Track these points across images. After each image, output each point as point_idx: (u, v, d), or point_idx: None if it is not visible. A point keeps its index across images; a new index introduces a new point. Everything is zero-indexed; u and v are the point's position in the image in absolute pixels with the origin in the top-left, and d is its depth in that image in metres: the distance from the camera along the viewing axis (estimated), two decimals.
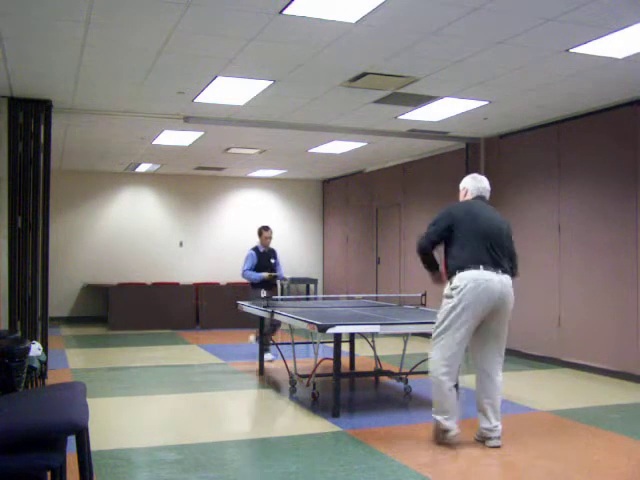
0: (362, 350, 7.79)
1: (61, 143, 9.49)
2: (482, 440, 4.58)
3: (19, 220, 6.88)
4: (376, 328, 5.44)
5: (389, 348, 7.91)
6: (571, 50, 5.31)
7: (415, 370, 6.17)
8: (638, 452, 4.56)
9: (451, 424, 4.42)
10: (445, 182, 10.05)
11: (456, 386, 4.55)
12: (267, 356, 7.72)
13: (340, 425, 5.07)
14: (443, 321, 4.42)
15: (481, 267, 4.34)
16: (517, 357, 8.48)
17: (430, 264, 4.64)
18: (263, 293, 7.67)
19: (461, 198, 4.76)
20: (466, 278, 4.33)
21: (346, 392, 6.43)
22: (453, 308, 4.36)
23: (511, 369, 7.82)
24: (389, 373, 6.50)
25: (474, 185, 4.73)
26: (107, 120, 8.09)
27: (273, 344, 7.53)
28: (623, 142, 7.04)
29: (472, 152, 9.38)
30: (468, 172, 9.44)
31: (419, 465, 4.14)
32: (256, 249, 8.33)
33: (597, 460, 4.31)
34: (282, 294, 8.29)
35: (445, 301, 4.46)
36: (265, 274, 8.10)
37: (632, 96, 6.80)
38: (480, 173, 9.12)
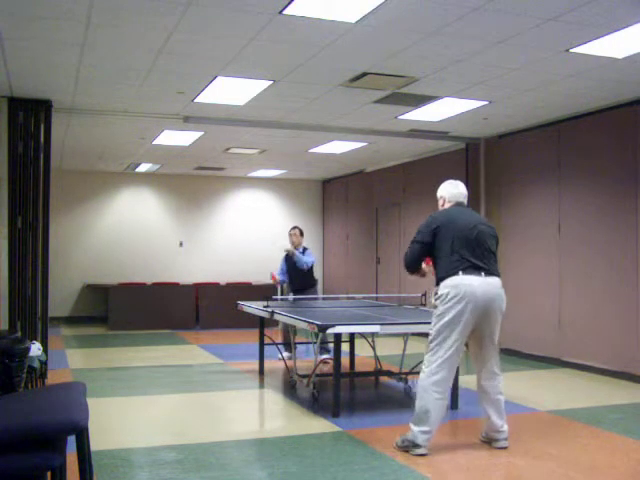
0: (362, 350, 7.79)
1: (61, 143, 9.48)
2: (488, 441, 4.58)
3: (19, 220, 6.88)
4: (376, 328, 5.43)
5: (389, 348, 7.91)
6: (571, 50, 5.31)
7: (415, 370, 6.16)
8: (638, 452, 4.56)
9: (424, 440, 4.29)
10: None
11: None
12: (286, 353, 7.68)
13: (340, 425, 5.07)
14: (433, 331, 4.40)
15: (460, 273, 4.30)
16: (517, 357, 8.48)
17: (415, 272, 4.67)
18: (290, 296, 7.65)
19: (439, 207, 4.77)
20: (448, 286, 4.32)
21: (346, 392, 6.43)
22: (439, 317, 4.35)
23: (511, 369, 7.83)
24: (389, 373, 6.50)
25: (450, 192, 4.72)
26: (107, 120, 8.09)
27: (274, 344, 7.54)
28: (623, 142, 7.04)
29: (472, 152, 9.38)
30: (468, 172, 9.49)
31: (419, 465, 4.14)
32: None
33: (597, 460, 4.31)
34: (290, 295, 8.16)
35: (434, 311, 4.46)
36: (276, 276, 8.18)
37: (632, 96, 6.80)
38: (480, 173, 9.26)
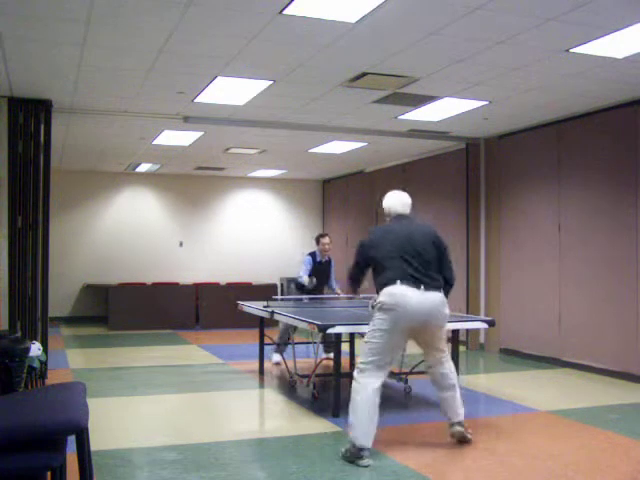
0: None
1: (61, 143, 9.49)
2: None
3: (19, 220, 6.88)
4: None
5: None
6: (571, 50, 5.31)
7: (415, 370, 6.17)
8: (637, 452, 4.56)
9: (365, 441, 4.16)
10: (445, 182, 10.05)
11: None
12: (276, 357, 7.65)
13: (340, 425, 5.06)
14: (367, 337, 4.44)
15: (398, 282, 4.30)
16: (517, 357, 8.48)
17: (356, 288, 4.78)
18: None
19: (386, 218, 4.83)
20: (385, 294, 4.32)
21: (346, 392, 6.42)
22: (373, 325, 4.36)
23: (511, 369, 7.83)
24: (389, 373, 6.49)
25: (393, 203, 4.77)
26: (107, 120, 8.09)
27: (275, 344, 7.53)
28: (623, 142, 7.04)
29: (472, 152, 9.37)
30: (468, 172, 9.49)
31: (419, 465, 4.14)
32: (313, 255, 7.80)
33: (597, 460, 4.31)
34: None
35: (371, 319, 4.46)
36: (305, 278, 7.62)
37: (632, 96, 6.80)
38: (480, 173, 9.25)
